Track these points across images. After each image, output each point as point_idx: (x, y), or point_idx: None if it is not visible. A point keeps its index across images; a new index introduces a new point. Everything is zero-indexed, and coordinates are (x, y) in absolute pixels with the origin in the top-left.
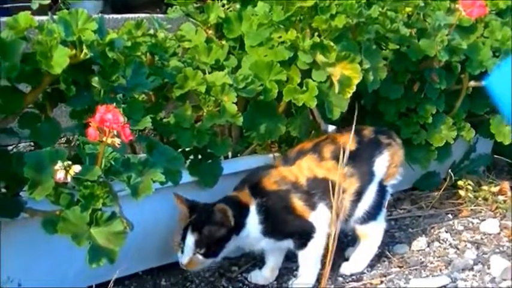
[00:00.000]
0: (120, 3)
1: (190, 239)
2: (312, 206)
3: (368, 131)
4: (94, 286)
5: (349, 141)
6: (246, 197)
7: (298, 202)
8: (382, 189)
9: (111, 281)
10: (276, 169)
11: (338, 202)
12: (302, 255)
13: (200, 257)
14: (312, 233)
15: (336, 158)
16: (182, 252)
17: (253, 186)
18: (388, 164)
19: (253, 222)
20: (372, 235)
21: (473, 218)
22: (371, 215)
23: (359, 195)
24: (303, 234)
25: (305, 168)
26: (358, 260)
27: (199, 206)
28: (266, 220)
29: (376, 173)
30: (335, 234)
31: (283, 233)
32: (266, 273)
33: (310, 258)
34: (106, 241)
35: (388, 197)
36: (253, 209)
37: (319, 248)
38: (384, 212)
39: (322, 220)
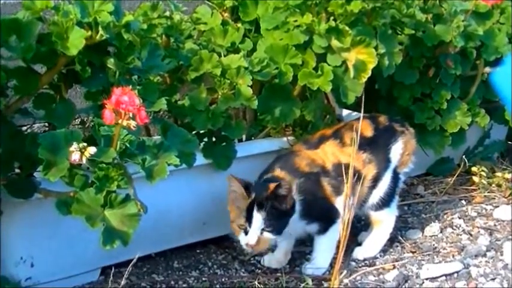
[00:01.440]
0: None
1: (258, 217)
2: (338, 192)
3: (383, 118)
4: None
5: (366, 128)
6: (286, 177)
7: (327, 186)
8: (396, 176)
9: (130, 265)
10: (303, 151)
11: (351, 187)
12: (320, 239)
13: (269, 234)
14: (336, 218)
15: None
16: (246, 233)
17: (288, 167)
18: (402, 151)
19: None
20: (385, 221)
21: (486, 205)
22: (385, 202)
23: (375, 181)
24: (329, 219)
25: (329, 153)
26: (371, 245)
27: (257, 184)
28: (303, 201)
29: (392, 159)
30: (349, 219)
31: (313, 216)
32: (279, 257)
33: (328, 243)
34: (120, 223)
35: (401, 185)
36: (294, 188)
37: (337, 233)
38: (396, 200)
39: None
